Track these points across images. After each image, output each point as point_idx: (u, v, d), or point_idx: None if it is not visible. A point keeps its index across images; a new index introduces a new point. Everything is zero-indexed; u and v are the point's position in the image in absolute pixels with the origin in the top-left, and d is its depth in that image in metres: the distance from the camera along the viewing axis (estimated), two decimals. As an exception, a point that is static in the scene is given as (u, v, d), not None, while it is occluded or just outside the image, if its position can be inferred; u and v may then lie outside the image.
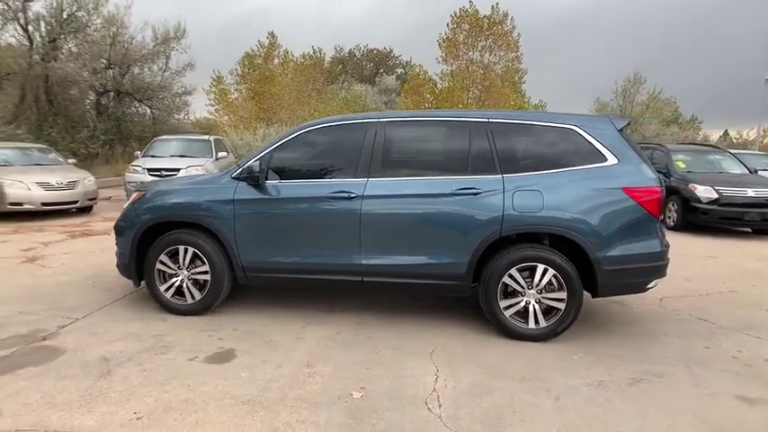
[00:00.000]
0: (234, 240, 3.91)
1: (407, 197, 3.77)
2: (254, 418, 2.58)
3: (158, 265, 4.03)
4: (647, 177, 3.65)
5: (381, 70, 49.64)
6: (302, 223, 3.89)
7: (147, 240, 4.07)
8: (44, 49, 14.94)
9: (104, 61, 17.00)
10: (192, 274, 4.02)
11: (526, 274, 3.67)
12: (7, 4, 14.16)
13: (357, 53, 52.31)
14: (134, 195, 4.28)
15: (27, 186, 8.30)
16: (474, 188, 3.67)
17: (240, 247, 3.92)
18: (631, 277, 3.66)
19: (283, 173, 4.01)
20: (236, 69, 31.08)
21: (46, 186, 8.45)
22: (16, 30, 14.82)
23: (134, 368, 3.11)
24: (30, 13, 14.65)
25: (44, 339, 3.52)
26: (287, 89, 29.60)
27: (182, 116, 19.78)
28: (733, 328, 4.18)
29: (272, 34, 30.95)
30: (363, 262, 3.81)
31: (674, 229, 9.65)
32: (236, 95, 30.21)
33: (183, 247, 3.99)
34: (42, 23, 15.05)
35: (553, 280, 3.63)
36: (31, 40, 15.10)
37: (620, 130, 3.78)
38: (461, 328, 3.95)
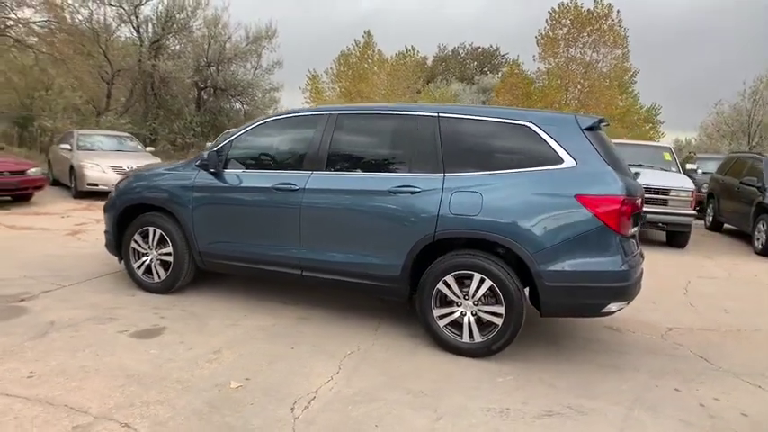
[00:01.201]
0: (192, 225, 4.10)
1: (346, 192, 3.67)
2: (122, 392, 2.69)
3: (133, 244, 4.36)
4: (608, 184, 3.18)
5: (486, 69, 48.55)
6: (250, 213, 3.96)
7: (126, 220, 4.41)
8: (151, 48, 16.80)
9: (204, 60, 18.61)
10: (160, 254, 4.28)
11: (465, 283, 3.39)
12: (122, 8, 16.17)
13: (461, 51, 51.73)
14: (120, 178, 4.66)
15: (103, 169, 9.43)
16: (413, 186, 3.47)
17: (197, 233, 4.10)
18: (581, 297, 3.22)
19: (243, 163, 4.11)
20: (331, 68, 32.41)
21: (119, 170, 9.50)
22: (130, 31, 16.93)
23: (67, 334, 3.40)
24: (141, 16, 16.64)
25: (21, 300, 3.98)
26: (378, 88, 30.19)
27: (271, 112, 21.07)
28: (735, 372, 3.50)
29: (367, 33, 31.76)
30: (302, 256, 3.79)
31: (764, 253, 8.30)
32: (329, 93, 31.42)
33: (152, 228, 4.27)
34: (150, 25, 16.97)
35: (491, 292, 3.31)
36: (141, 41, 17.07)
37: (586, 130, 3.33)
38: (399, 334, 3.76)
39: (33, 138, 15.61)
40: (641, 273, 3.58)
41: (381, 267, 3.57)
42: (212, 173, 4.05)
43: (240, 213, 3.99)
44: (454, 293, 3.41)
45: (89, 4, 15.07)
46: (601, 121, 3.43)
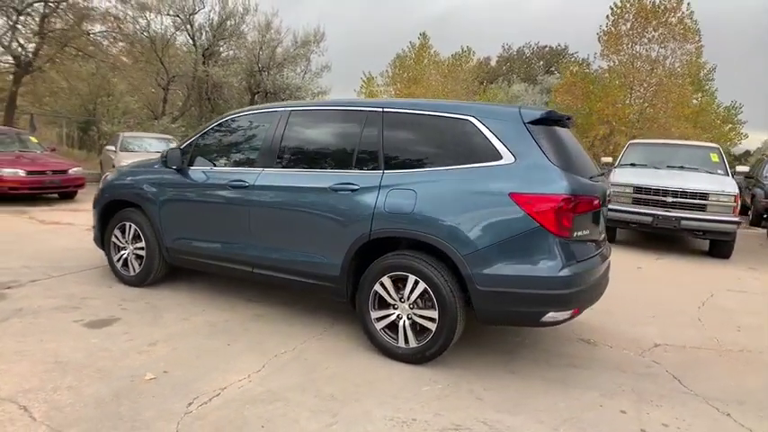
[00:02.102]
0: (159, 221, 4.24)
1: (291, 190, 3.64)
2: (42, 377, 2.82)
3: (113, 239, 4.59)
4: (547, 182, 2.93)
5: (552, 68, 46.88)
6: (208, 210, 4.04)
7: (109, 215, 4.64)
8: (203, 54, 17.71)
9: (257, 65, 19.35)
10: (135, 249, 4.47)
11: (402, 285, 3.25)
12: (179, 17, 17.19)
13: (527, 51, 50.32)
14: (105, 175, 4.92)
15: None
16: (352, 184, 3.39)
17: (163, 229, 4.24)
18: (515, 304, 2.98)
19: (206, 159, 4.20)
20: (386, 71, 32.55)
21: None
22: (186, 38, 17.95)
23: (27, 320, 3.62)
24: (195, 24, 17.59)
25: (7, 288, 4.29)
26: (432, 90, 29.93)
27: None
28: (706, 397, 3.11)
29: (423, 35, 31.58)
30: (252, 253, 3.81)
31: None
32: (384, 97, 31.59)
33: (128, 223, 4.46)
34: (203, 32, 17.89)
35: (426, 295, 3.15)
36: (195, 47, 18.04)
37: (531, 123, 3.08)
38: (348, 335, 3.68)
39: (93, 141, 16.98)
40: (599, 279, 3.27)
41: (323, 267, 3.51)
42: (175, 170, 4.17)
43: (199, 210, 4.08)
44: (390, 296, 3.28)
45: (147, 14, 16.20)
46: (551, 114, 3.15)
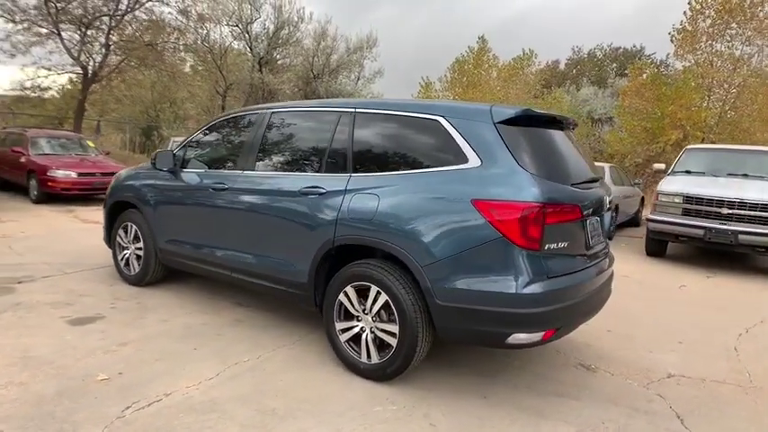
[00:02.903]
0: (153, 222, 4.31)
1: (264, 193, 3.55)
2: (1, 371, 2.89)
3: (118, 238, 4.72)
4: (514, 188, 2.62)
5: (626, 71, 44.39)
6: (193, 212, 4.04)
7: (116, 216, 4.79)
8: (260, 62, 18.34)
9: (312, 72, 19.77)
10: (135, 249, 4.57)
11: (366, 295, 3.05)
12: (238, 26, 17.94)
13: (599, 53, 48.04)
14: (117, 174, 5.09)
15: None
16: (320, 187, 3.24)
17: (156, 230, 4.30)
18: (477, 323, 2.69)
19: (197, 162, 4.21)
20: (445, 76, 32.12)
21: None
22: (244, 47, 18.67)
23: (18, 314, 3.78)
24: (252, 33, 18.25)
25: (18, 283, 4.53)
26: (491, 95, 29.13)
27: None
28: (711, 441, 2.65)
29: (482, 38, 30.90)
30: (229, 256, 3.76)
31: None
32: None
33: (130, 224, 4.58)
34: (260, 41, 18.52)
35: (388, 307, 2.94)
36: (253, 55, 18.71)
37: (502, 123, 2.78)
38: (314, 346, 3.52)
39: (154, 145, 18.04)
40: (588, 296, 2.91)
41: (291, 273, 3.39)
42: (168, 172, 4.21)
43: (186, 212, 4.09)
44: (354, 307, 3.09)
45: (206, 25, 17.01)
46: (527, 112, 2.83)
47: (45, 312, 3.86)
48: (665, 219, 7.30)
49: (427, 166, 2.92)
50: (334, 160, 3.29)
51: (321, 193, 3.22)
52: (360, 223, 3.00)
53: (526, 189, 2.60)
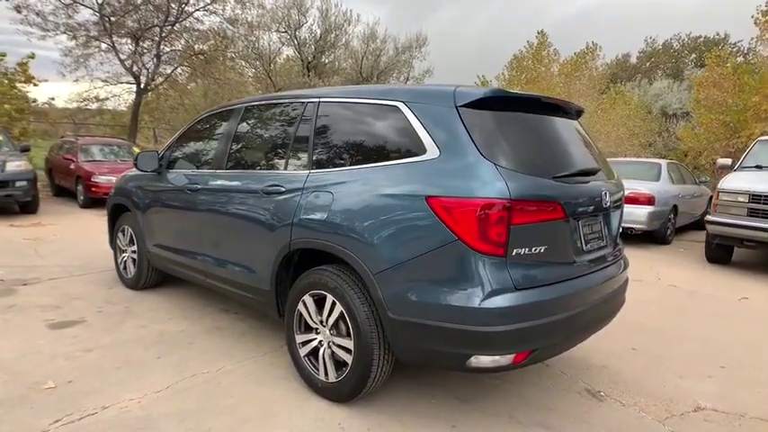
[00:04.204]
0: (142, 225, 4.23)
1: (231, 192, 3.33)
2: (-40, 375, 2.85)
3: (117, 241, 4.71)
4: (475, 182, 2.20)
5: (705, 61, 41.04)
6: (172, 214, 3.91)
7: (116, 219, 4.77)
8: (308, 67, 18.49)
9: (360, 74, 19.71)
10: (131, 252, 4.53)
11: (324, 306, 2.74)
12: (287, 32, 18.19)
13: (675, 43, 44.77)
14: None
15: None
16: (280, 186, 2.97)
17: (145, 233, 4.21)
18: (431, 341, 2.28)
19: (182, 162, 4.06)
20: (503, 74, 31.02)
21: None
22: (293, 52, 18.91)
23: (5, 317, 3.79)
24: (300, 37, 18.45)
25: (23, 285, 4.61)
26: (551, 90, 27.72)
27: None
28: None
29: (541, 33, 29.54)
30: (202, 260, 3.57)
31: None
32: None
33: (126, 226, 4.54)
34: (308, 45, 18.67)
35: (344, 320, 2.60)
36: (302, 60, 18.91)
37: (466, 107, 2.36)
38: (283, 359, 3.23)
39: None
40: (585, 310, 2.44)
41: (256, 279, 3.13)
42: (153, 173, 4.10)
43: (167, 215, 3.97)
44: (311, 318, 2.78)
45: (255, 32, 17.36)
46: (497, 92, 2.39)
47: (32, 315, 3.85)
48: (728, 220, 6.39)
49: (384, 159, 2.55)
50: (297, 155, 3.01)
51: (280, 192, 2.95)
52: (313, 224, 2.69)
53: (489, 183, 2.17)
